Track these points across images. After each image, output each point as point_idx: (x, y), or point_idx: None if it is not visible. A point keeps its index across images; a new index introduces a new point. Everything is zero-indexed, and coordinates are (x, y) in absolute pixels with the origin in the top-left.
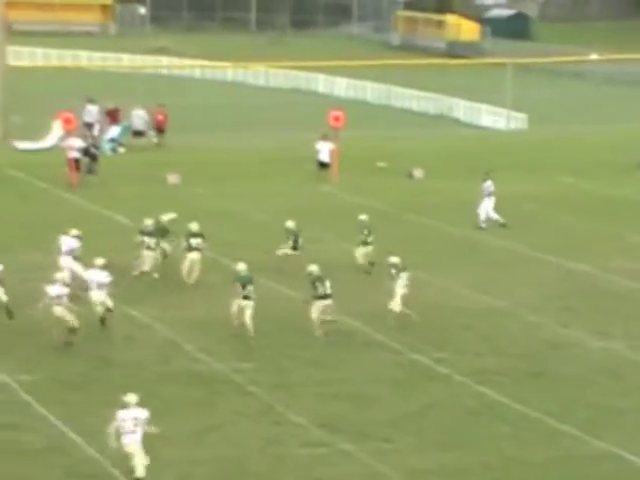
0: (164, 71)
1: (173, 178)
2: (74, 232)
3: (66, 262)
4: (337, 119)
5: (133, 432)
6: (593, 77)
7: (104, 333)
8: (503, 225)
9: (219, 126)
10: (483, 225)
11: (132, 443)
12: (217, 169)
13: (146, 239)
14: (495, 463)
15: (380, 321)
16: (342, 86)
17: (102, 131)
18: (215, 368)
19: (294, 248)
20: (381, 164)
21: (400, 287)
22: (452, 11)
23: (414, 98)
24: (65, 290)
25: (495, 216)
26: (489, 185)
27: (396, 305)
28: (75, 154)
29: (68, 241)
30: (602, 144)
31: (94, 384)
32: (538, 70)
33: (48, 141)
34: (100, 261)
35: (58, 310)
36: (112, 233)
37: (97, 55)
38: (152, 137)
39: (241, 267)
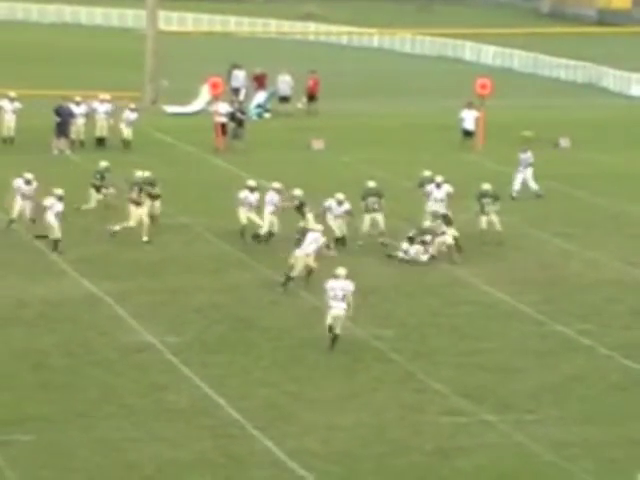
0: (311, 37)
1: (317, 144)
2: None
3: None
4: (484, 86)
5: (341, 300)
6: None
7: (250, 297)
8: (539, 196)
9: (364, 93)
10: (515, 195)
11: (338, 309)
12: (362, 135)
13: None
14: None
15: (525, 292)
16: (489, 54)
17: (249, 96)
18: (357, 335)
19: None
20: (527, 133)
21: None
22: None
23: (562, 67)
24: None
25: (535, 186)
26: (529, 157)
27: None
28: (222, 119)
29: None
30: None
31: (237, 347)
32: None
33: (196, 105)
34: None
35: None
36: None
37: (245, 20)
38: (300, 103)
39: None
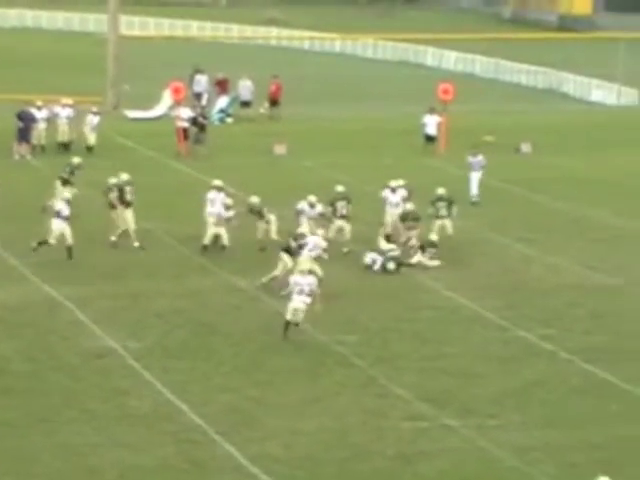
0: (273, 42)
1: (280, 148)
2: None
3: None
4: (446, 92)
5: (306, 295)
6: None
7: (211, 302)
8: (474, 203)
9: (326, 97)
10: (474, 200)
11: (298, 302)
12: (324, 140)
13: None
14: (601, 442)
15: (487, 297)
16: (450, 59)
17: (211, 101)
18: (319, 340)
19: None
20: (488, 138)
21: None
22: None
23: (523, 72)
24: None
25: (475, 191)
26: (480, 160)
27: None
28: (184, 124)
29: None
30: None
31: (199, 352)
32: None
33: (158, 110)
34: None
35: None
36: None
37: (208, 25)
38: (262, 108)
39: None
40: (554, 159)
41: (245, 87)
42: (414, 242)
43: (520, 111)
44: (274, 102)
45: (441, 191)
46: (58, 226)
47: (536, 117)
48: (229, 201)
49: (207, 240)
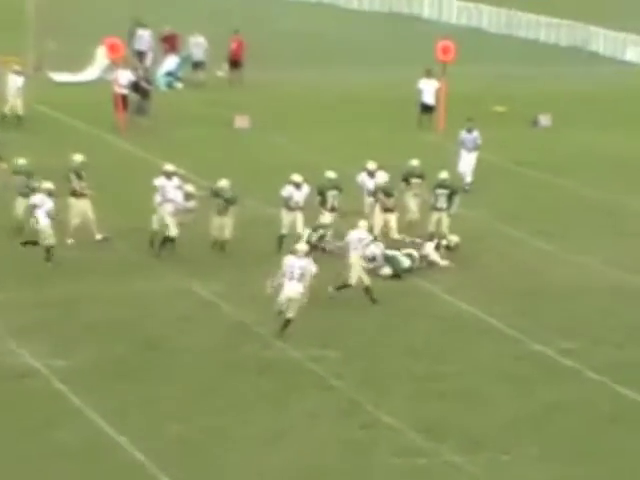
0: None
1: (242, 121)
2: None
3: None
4: (446, 51)
5: (298, 280)
6: None
7: (157, 312)
8: (466, 191)
9: (301, 59)
10: (467, 188)
11: (292, 291)
12: (297, 112)
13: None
14: None
15: (496, 303)
16: (452, 11)
17: (156, 62)
18: (291, 356)
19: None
20: (499, 108)
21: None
22: None
23: (541, 26)
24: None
25: (469, 178)
26: (475, 137)
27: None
28: (123, 90)
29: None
30: None
31: (141, 373)
32: None
33: (90, 73)
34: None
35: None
36: None
37: None
38: (220, 70)
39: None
40: (580, 134)
41: (197, 45)
42: (416, 241)
43: (538, 74)
44: (235, 63)
45: (444, 176)
46: None
47: (558, 82)
48: (190, 188)
49: (156, 226)
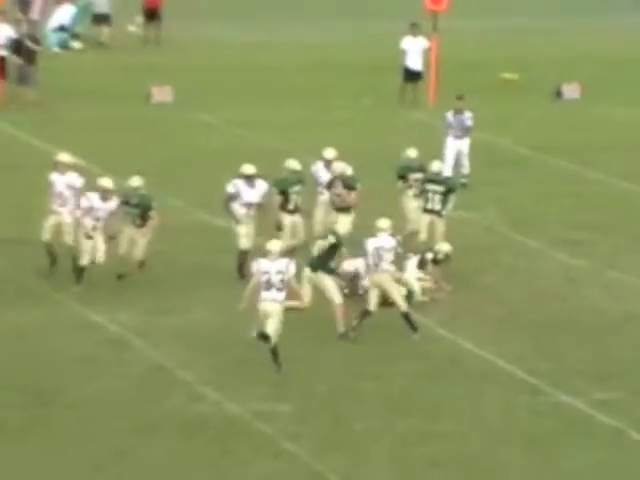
0: None
1: (161, 94)
2: None
3: None
4: None
5: (278, 290)
6: None
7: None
8: (464, 185)
9: (238, 10)
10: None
11: (270, 303)
12: (237, 81)
13: None
14: None
15: (506, 339)
16: None
17: (45, 14)
18: (229, 411)
19: None
20: (509, 76)
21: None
22: None
23: None
24: None
25: (465, 170)
26: (466, 118)
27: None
28: (0, 51)
29: None
30: None
31: (26, 433)
32: None
33: None
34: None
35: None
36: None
37: None
38: (132, 25)
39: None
40: (617, 110)
41: None
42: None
43: (560, 30)
44: (151, 15)
45: (437, 167)
46: None
47: (588, 41)
48: (106, 183)
49: (47, 237)
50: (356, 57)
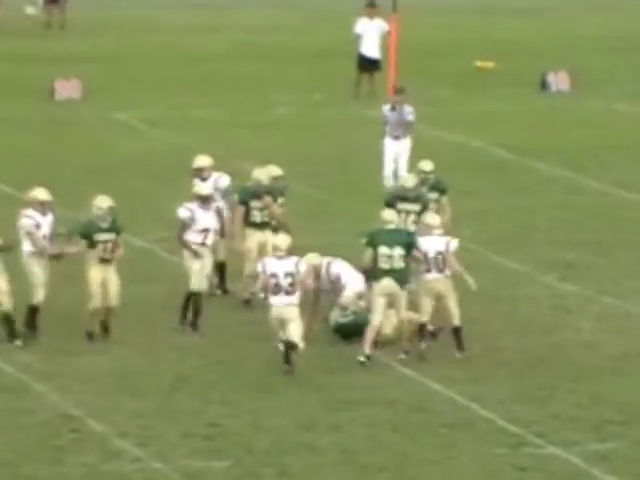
0: None
1: (67, 89)
2: None
3: None
4: None
5: (287, 293)
6: None
7: None
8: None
9: None
10: (389, 183)
11: (283, 307)
12: (159, 73)
13: None
14: None
15: (486, 380)
16: None
17: None
18: (155, 471)
19: None
20: (485, 64)
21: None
22: None
23: None
24: None
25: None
26: (407, 113)
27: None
28: None
29: None
30: None
31: None
32: None
33: None
34: None
35: None
36: None
37: None
38: (31, 6)
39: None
40: (616, 105)
41: None
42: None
43: (542, 9)
44: None
45: (411, 182)
46: None
47: (578, 22)
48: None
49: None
50: (303, 42)
